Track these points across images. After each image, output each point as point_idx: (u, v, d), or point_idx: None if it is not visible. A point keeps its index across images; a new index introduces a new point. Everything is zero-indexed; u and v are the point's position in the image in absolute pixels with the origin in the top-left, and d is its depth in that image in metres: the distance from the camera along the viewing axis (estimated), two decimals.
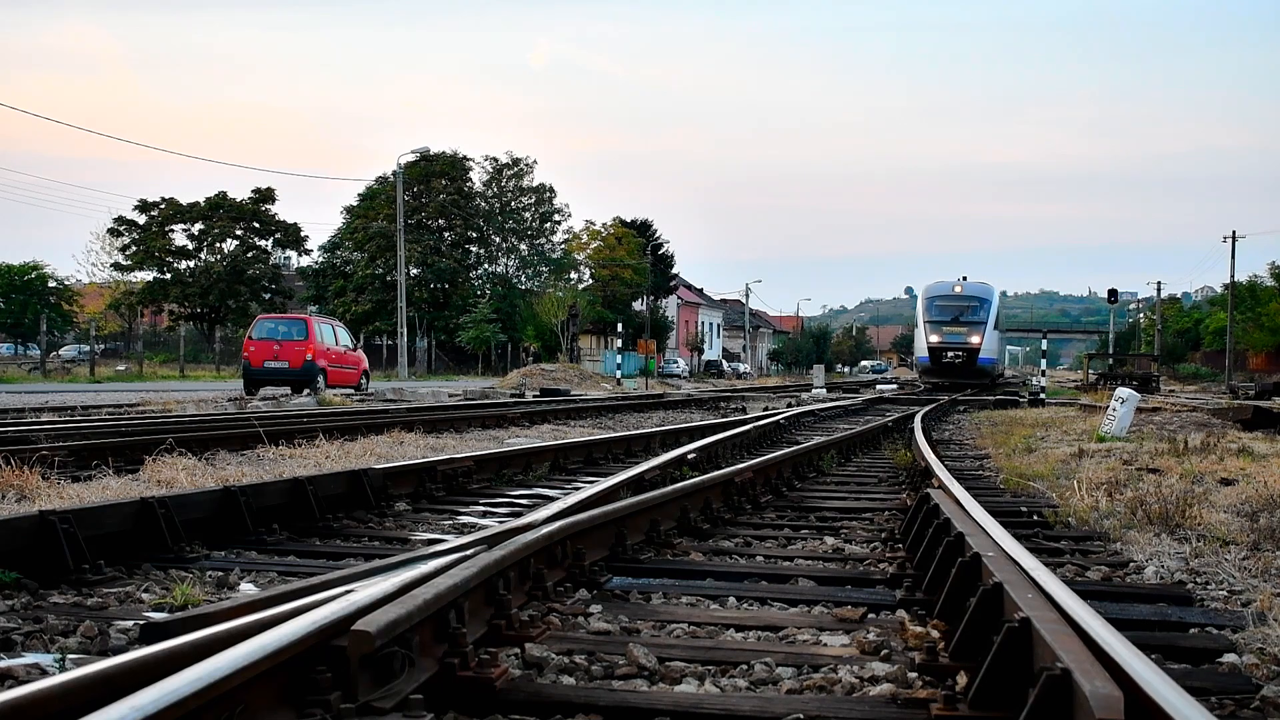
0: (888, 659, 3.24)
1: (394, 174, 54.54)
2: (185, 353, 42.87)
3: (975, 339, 41.65)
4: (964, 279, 45.07)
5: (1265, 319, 65.11)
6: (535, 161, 71.02)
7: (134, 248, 59.49)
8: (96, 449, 8.41)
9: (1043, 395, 28.31)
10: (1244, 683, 3.05)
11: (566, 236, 71.01)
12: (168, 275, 60.34)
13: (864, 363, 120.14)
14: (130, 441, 8.96)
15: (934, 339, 41.90)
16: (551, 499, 6.44)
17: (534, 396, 24.87)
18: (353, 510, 6.06)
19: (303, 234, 63.41)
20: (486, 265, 68.77)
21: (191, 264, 60.84)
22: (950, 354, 41.31)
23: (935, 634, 3.29)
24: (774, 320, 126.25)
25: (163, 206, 59.98)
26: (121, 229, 59.52)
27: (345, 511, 5.97)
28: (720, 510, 6.27)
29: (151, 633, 2.81)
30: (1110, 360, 52.22)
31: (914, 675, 3.02)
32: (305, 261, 67.21)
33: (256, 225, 61.88)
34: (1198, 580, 4.55)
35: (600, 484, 6.22)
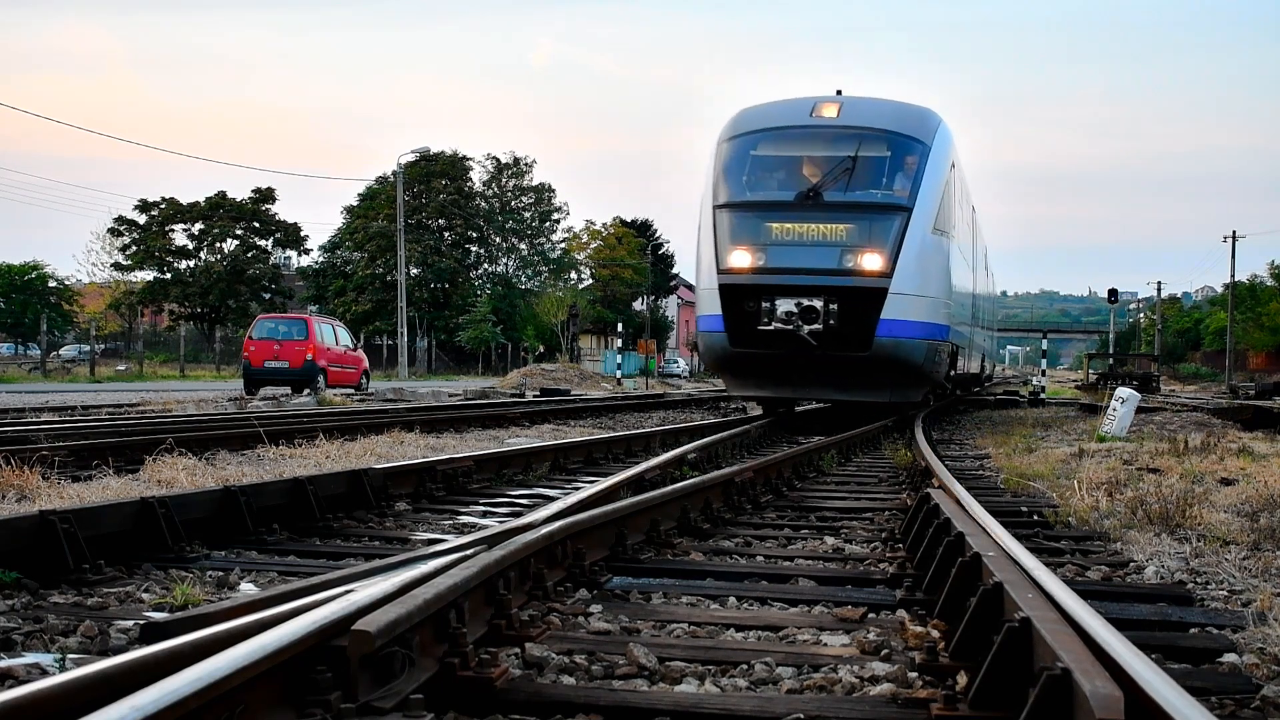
0: (888, 659, 3.24)
1: (394, 174, 54.58)
2: (185, 353, 42.90)
3: (872, 259, 13.33)
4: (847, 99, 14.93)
5: (1265, 319, 65.16)
6: (535, 161, 71.26)
7: (134, 248, 59.61)
8: (96, 449, 8.40)
9: (1043, 395, 28.31)
10: (1244, 683, 3.05)
11: (566, 236, 71.11)
12: (168, 275, 60.46)
13: None
14: (130, 441, 8.96)
15: (738, 261, 13.75)
16: (551, 499, 6.44)
17: (534, 396, 24.87)
18: (353, 510, 6.06)
19: (303, 234, 63.59)
20: (486, 265, 68.85)
21: (191, 264, 60.95)
22: (782, 310, 13.32)
23: (935, 634, 3.29)
24: None
25: (163, 206, 60.09)
26: (121, 229, 59.64)
27: (345, 511, 5.97)
28: (720, 510, 6.27)
29: (151, 633, 2.81)
30: (1110, 360, 52.14)
31: (914, 675, 3.02)
32: (305, 261, 67.38)
33: (256, 225, 62.00)
34: (1198, 580, 4.55)
35: (600, 484, 6.22)
